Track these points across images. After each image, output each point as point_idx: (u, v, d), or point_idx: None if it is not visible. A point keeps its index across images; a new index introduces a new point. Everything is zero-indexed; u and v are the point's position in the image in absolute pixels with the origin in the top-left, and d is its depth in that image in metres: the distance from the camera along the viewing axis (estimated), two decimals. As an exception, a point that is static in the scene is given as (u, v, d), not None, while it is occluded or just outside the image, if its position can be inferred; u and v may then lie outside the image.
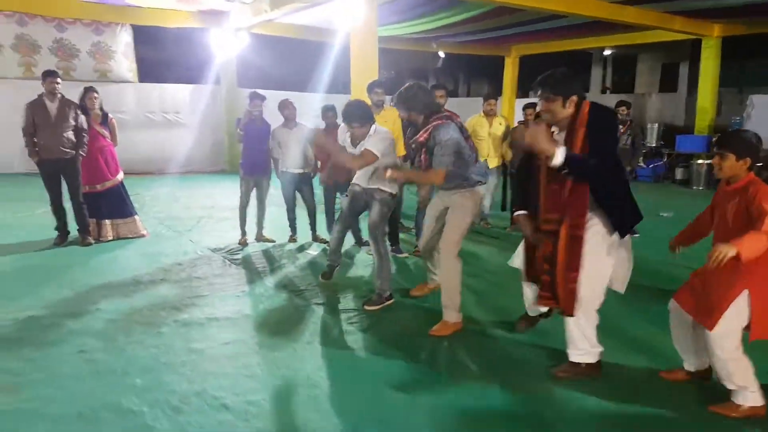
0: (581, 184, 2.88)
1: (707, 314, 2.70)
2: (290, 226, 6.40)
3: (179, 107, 13.41)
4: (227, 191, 9.64)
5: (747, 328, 2.66)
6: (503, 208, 7.34)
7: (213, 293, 4.51)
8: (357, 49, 8.46)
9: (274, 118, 6.16)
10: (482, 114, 6.89)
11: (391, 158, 4.18)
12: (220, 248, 5.96)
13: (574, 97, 2.91)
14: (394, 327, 3.89)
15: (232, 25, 12.41)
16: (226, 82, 13.57)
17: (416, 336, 3.73)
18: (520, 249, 3.37)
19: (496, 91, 16.48)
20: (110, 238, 6.18)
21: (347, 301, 4.41)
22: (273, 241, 6.31)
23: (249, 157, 6.07)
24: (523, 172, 3.33)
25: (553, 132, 2.99)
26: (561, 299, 2.97)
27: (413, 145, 3.89)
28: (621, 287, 3.13)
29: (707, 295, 2.74)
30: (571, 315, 2.98)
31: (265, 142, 6.11)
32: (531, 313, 3.70)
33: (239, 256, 5.70)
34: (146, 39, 14.55)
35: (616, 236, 2.99)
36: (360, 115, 4.10)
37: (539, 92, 2.96)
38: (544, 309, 3.52)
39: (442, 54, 16.78)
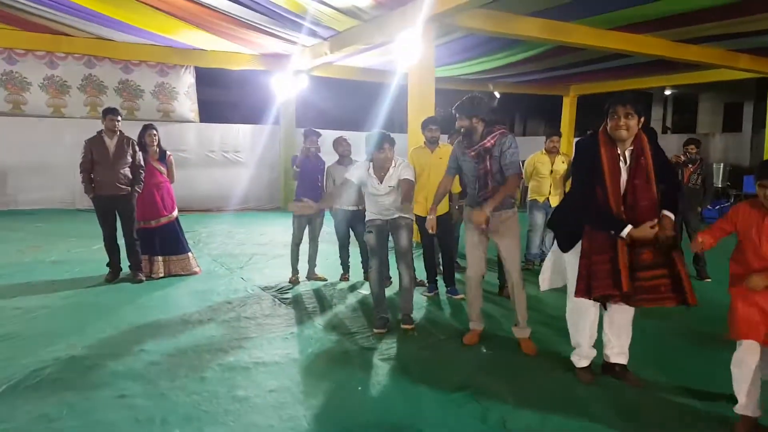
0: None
1: None
2: (342, 264, 6.18)
3: (239, 146, 13.65)
4: (281, 228, 9.55)
5: None
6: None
7: (261, 335, 4.29)
8: (414, 87, 8.37)
9: (330, 156, 6.05)
10: (544, 151, 6.58)
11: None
12: (271, 287, 5.78)
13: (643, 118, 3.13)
14: (454, 375, 3.54)
15: (293, 68, 12.64)
16: (284, 122, 13.76)
17: (477, 385, 3.39)
18: (548, 267, 3.60)
19: (556, 130, 16.11)
20: (162, 274, 6.11)
21: (400, 346, 4.09)
22: (325, 280, 6.10)
23: (303, 194, 5.90)
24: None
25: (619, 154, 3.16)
26: (689, 292, 3.05)
27: (474, 152, 3.85)
28: None
29: None
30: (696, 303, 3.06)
31: (320, 179, 5.99)
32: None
33: (289, 295, 5.50)
34: (208, 80, 15.05)
35: None
36: (388, 139, 4.30)
37: (626, 107, 3.07)
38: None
39: (497, 94, 16.64)
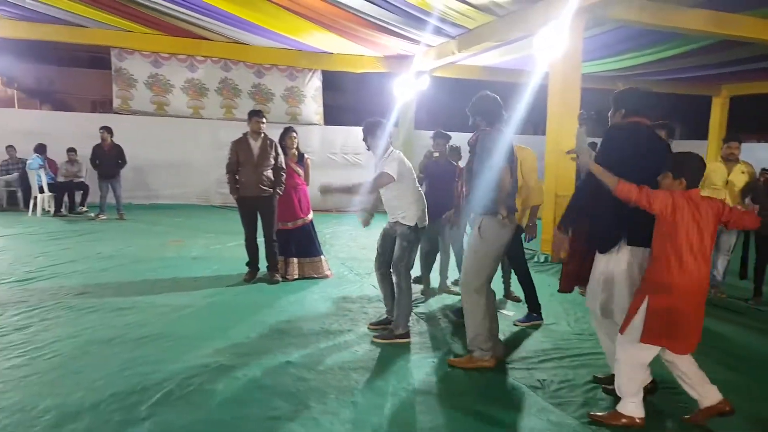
0: None
1: None
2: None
3: (359, 148, 13.64)
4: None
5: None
6: (742, 276, 5.93)
7: (404, 355, 3.98)
8: (557, 85, 7.77)
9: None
10: (720, 159, 5.74)
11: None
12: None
13: None
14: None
15: (415, 68, 12.42)
16: (404, 124, 13.58)
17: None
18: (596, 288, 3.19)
19: (735, 134, 14.58)
20: (296, 276, 6.05)
21: (533, 369, 3.61)
22: (458, 294, 5.70)
23: (433, 201, 5.09)
24: None
25: None
26: None
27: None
28: None
29: None
30: None
31: (451, 184, 5.48)
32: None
33: (423, 310, 5.16)
34: (330, 84, 15.26)
35: None
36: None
37: None
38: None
39: (628, 92, 15.37)
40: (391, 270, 4.30)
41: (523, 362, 3.89)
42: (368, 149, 4.37)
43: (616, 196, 2.90)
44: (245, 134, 5.83)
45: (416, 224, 4.23)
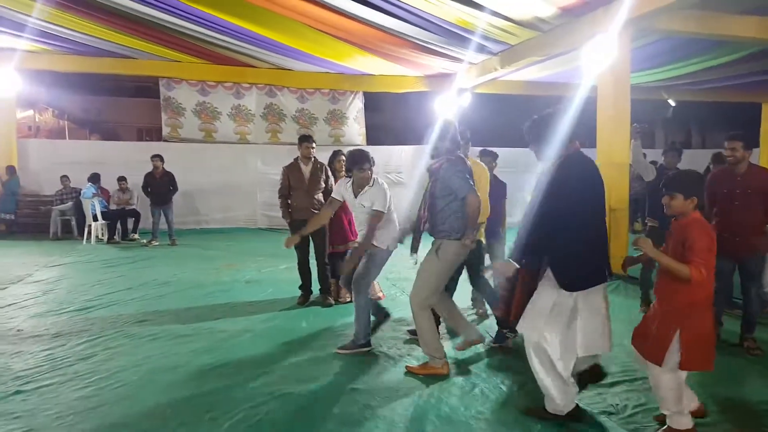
0: None
1: None
2: None
3: (401, 167, 13.67)
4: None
5: None
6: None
7: (469, 378, 3.89)
8: (606, 97, 7.65)
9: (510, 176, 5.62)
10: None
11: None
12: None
13: None
14: None
15: (456, 86, 12.41)
16: (446, 142, 13.53)
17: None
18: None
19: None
20: (349, 299, 5.99)
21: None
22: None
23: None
24: None
25: None
26: None
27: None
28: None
29: None
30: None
31: (500, 203, 5.43)
32: None
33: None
34: (368, 104, 15.38)
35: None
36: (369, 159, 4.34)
37: None
38: None
39: (672, 102, 14.98)
40: (351, 285, 4.41)
41: (593, 386, 3.73)
42: (351, 180, 4.47)
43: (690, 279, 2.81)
44: (296, 159, 5.88)
45: (387, 247, 4.38)
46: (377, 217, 4.29)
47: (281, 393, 3.60)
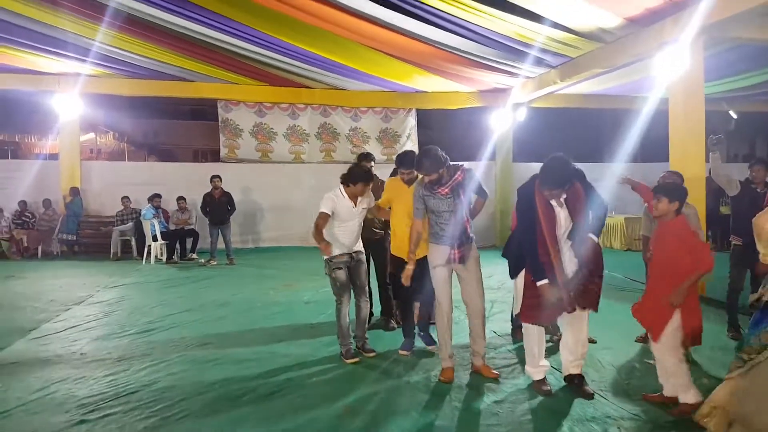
0: None
1: None
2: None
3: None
4: (503, 269, 8.86)
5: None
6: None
7: (548, 414, 3.61)
8: (678, 108, 7.23)
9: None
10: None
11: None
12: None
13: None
14: None
15: (511, 101, 12.14)
16: (501, 157, 13.28)
17: None
18: None
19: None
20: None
21: None
22: (594, 341, 5.19)
23: None
24: None
25: None
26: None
27: (447, 188, 4.18)
28: None
29: None
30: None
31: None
32: None
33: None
34: (423, 121, 15.26)
35: None
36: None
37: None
38: None
39: (734, 114, 14.24)
40: (362, 299, 4.82)
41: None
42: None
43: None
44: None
45: (329, 257, 4.63)
46: (317, 219, 4.61)
47: (354, 426, 3.40)
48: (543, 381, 3.98)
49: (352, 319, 4.82)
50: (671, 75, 7.12)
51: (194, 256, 11.09)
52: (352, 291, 4.79)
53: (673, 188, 3.73)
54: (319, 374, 4.38)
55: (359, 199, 4.69)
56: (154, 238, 10.75)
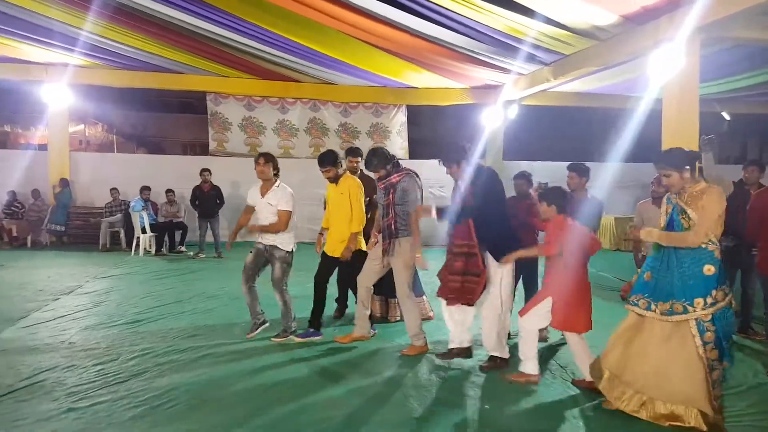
0: None
1: None
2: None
3: (443, 181, 13.39)
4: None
5: None
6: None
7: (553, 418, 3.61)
8: (671, 109, 7.26)
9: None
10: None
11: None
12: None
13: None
14: None
15: (503, 98, 12.15)
16: (491, 155, 13.27)
17: None
18: None
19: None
20: (398, 318, 5.76)
21: None
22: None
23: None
24: None
25: None
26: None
27: (383, 185, 4.78)
28: None
29: None
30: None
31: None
32: None
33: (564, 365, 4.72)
34: (412, 118, 15.26)
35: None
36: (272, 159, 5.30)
37: None
38: None
39: (727, 116, 14.38)
40: (273, 288, 5.04)
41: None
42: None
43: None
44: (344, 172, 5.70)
45: (292, 249, 5.04)
46: (284, 217, 5.02)
47: (342, 417, 3.39)
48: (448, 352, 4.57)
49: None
50: (666, 74, 7.13)
51: (183, 248, 11.01)
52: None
53: (550, 193, 4.13)
54: (307, 369, 4.36)
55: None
56: (143, 230, 10.67)
